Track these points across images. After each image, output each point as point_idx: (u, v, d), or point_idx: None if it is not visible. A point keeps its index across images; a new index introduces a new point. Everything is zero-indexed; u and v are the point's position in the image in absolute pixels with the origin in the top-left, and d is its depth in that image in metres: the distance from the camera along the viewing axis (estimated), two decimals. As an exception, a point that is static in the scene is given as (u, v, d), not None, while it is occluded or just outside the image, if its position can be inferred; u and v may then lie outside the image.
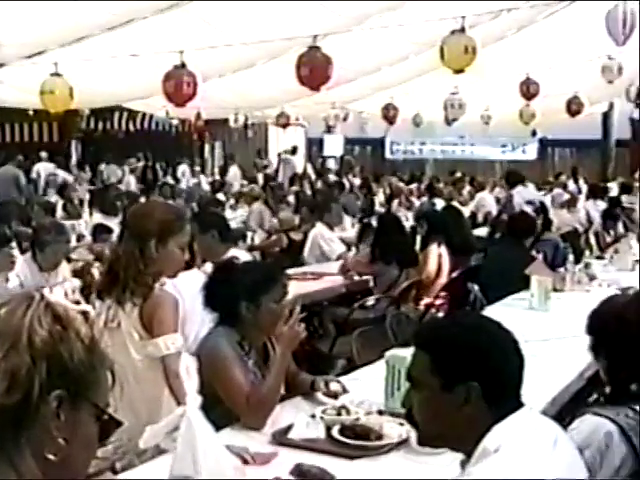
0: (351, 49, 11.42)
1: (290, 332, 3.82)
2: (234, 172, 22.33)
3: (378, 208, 15.30)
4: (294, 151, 24.35)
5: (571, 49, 13.28)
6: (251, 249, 9.72)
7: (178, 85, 9.76)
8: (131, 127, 23.29)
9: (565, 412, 4.00)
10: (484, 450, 2.18)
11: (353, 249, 9.28)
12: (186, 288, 4.75)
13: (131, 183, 19.94)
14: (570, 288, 7.10)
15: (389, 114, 16.53)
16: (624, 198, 15.43)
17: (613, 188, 17.65)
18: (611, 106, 22.91)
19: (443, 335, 2.36)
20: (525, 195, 12.91)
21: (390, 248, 7.92)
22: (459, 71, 9.46)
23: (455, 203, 14.34)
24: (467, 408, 2.24)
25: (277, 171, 23.02)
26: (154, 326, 3.72)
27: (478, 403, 2.23)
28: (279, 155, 24.04)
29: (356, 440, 3.51)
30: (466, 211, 14.56)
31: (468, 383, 2.23)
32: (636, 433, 2.95)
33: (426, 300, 7.62)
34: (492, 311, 6.09)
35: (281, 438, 3.59)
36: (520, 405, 2.29)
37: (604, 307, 3.30)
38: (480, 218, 14.72)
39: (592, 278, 7.40)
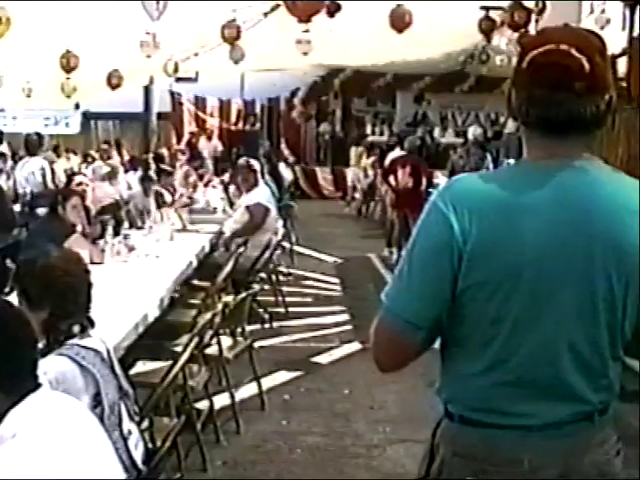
0: None
1: None
2: None
3: None
4: None
5: (112, 23, 13.42)
6: None
7: None
8: None
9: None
10: (1, 438, 2.09)
11: None
12: None
13: None
14: (109, 260, 7.22)
15: None
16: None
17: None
18: (151, 80, 23.43)
19: None
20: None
21: None
22: (-10, 42, 9.28)
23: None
24: None
25: None
26: None
27: None
28: None
29: None
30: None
31: None
32: (89, 362, 3.19)
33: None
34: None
35: None
36: (38, 386, 2.25)
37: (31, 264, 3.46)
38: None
39: (131, 249, 7.55)
